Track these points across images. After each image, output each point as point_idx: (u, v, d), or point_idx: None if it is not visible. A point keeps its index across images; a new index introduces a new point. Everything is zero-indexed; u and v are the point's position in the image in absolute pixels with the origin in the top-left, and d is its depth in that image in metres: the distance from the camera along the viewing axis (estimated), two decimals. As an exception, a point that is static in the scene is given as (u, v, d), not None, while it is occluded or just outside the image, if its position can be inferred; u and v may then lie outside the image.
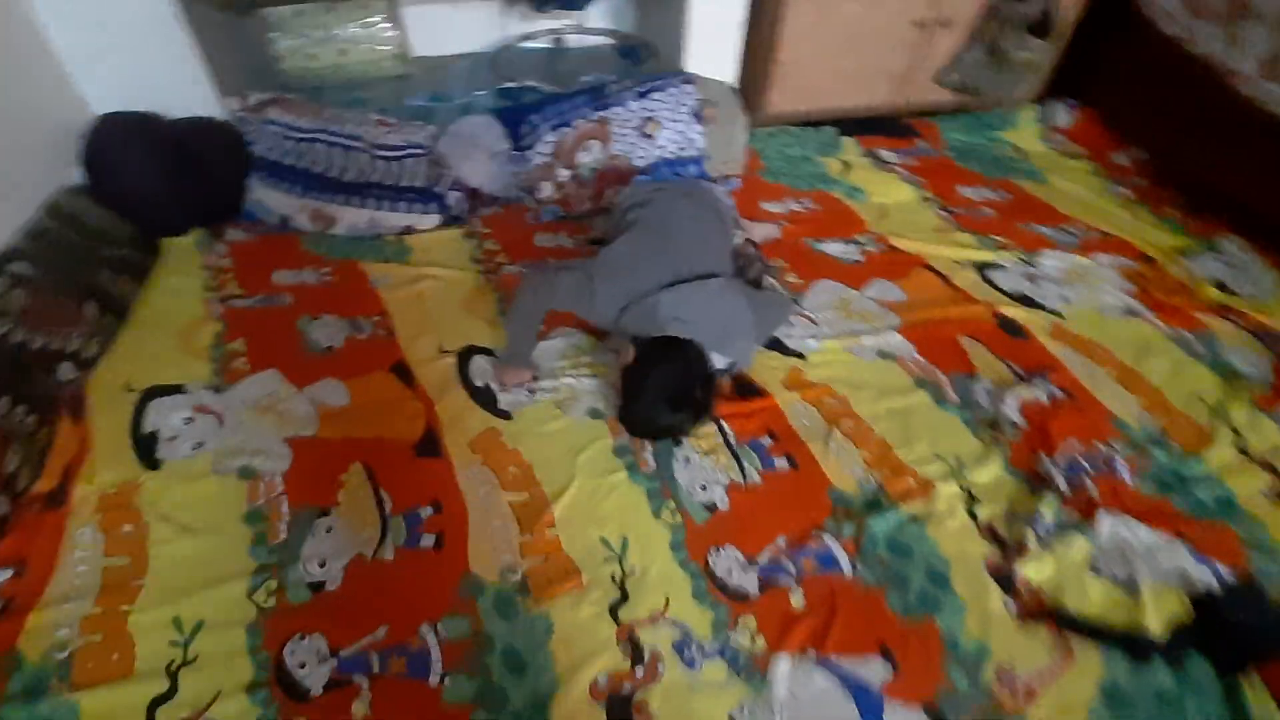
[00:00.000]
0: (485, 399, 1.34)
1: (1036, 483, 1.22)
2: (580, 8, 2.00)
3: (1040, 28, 2.00)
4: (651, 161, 1.79)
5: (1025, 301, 1.63)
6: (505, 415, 1.31)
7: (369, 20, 1.89)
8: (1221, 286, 1.71)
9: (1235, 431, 1.33)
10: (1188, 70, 1.92)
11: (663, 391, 1.15)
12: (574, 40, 2.10)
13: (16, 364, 1.21)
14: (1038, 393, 1.39)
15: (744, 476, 1.23)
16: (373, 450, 1.25)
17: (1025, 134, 2.27)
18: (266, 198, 1.69)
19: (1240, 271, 1.75)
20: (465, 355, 1.42)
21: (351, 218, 1.69)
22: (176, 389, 1.33)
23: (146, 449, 1.23)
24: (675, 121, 1.77)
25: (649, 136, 1.77)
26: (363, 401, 1.34)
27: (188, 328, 1.46)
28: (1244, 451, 1.30)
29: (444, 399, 1.33)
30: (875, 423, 1.33)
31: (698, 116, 1.78)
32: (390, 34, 1.95)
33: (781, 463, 1.25)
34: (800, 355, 1.46)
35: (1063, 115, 2.29)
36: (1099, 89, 2.26)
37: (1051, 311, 1.61)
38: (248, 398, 1.32)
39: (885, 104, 2.20)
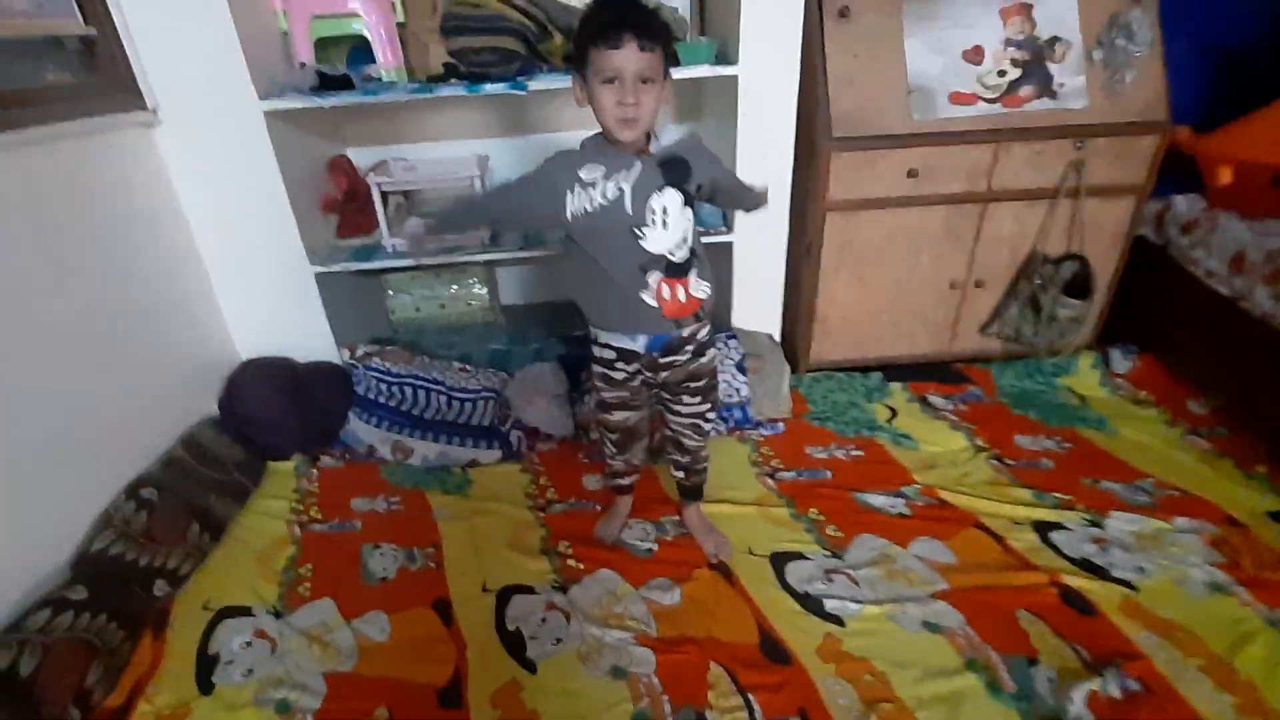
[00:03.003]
0: (515, 644, 1.37)
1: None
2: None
3: (1077, 288, 2.08)
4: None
5: (1092, 570, 1.53)
6: (531, 667, 1.32)
7: (466, 282, 2.27)
8: (1329, 559, 1.53)
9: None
10: (1245, 324, 1.91)
11: None
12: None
13: (124, 582, 1.38)
14: (1110, 686, 1.25)
15: (770, 766, 1.15)
16: (399, 694, 1.28)
17: (1085, 380, 2.25)
18: (359, 429, 1.93)
19: (1352, 542, 1.58)
20: (504, 596, 1.48)
21: (425, 450, 1.89)
22: (245, 610, 1.45)
23: (206, 670, 1.33)
24: (721, 373, 1.92)
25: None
26: (401, 639, 1.39)
27: (268, 549, 1.62)
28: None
29: (476, 642, 1.37)
30: (918, 709, 1.22)
31: (741, 368, 1.93)
32: (481, 290, 2.32)
33: (811, 752, 1.16)
34: (838, 620, 1.41)
35: (1122, 361, 2.28)
36: (1158, 337, 2.26)
37: (1122, 583, 1.49)
38: (302, 625, 1.42)
39: (932, 352, 2.28)
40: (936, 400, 2.17)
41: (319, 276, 1.95)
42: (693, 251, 1.23)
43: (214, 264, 1.90)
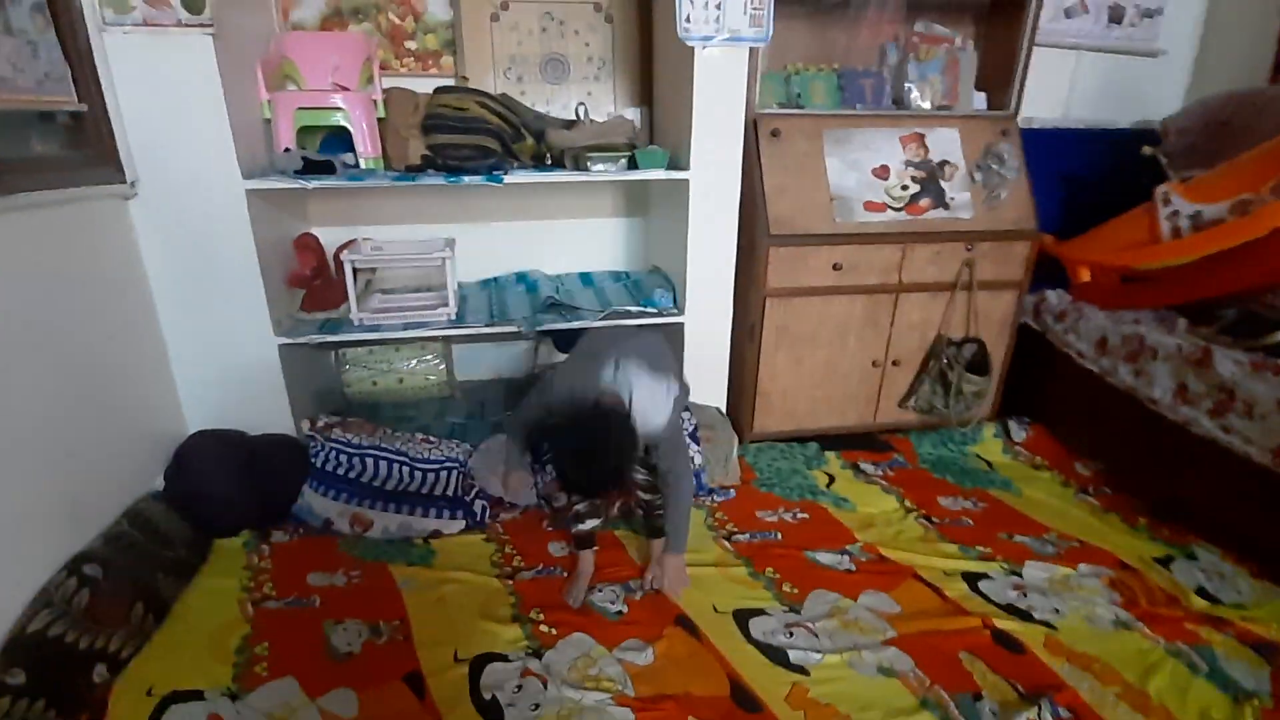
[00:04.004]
0: (492, 713, 1.36)
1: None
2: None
3: (978, 366, 2.41)
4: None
5: (1016, 613, 1.70)
6: (511, 731, 1.32)
7: (425, 357, 2.32)
8: (1203, 593, 1.77)
9: (1252, 760, 1.30)
10: (1113, 396, 2.25)
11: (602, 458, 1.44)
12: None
13: (62, 665, 1.28)
14: (1044, 716, 1.39)
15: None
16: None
17: (990, 448, 2.54)
18: (315, 503, 1.89)
19: (1221, 579, 1.83)
20: (478, 665, 1.47)
21: (385, 521, 1.87)
22: (196, 695, 1.36)
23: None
24: (678, 442, 2.06)
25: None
26: (371, 715, 1.35)
27: (218, 629, 1.54)
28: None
29: (451, 714, 1.35)
30: (883, 750, 1.31)
31: (695, 438, 2.07)
32: (439, 365, 2.37)
33: (791, 793, 1.22)
34: (803, 670, 1.49)
35: (1019, 430, 2.59)
36: (1046, 409, 2.60)
37: (1043, 623, 1.66)
38: (261, 707, 1.35)
39: (858, 424, 2.52)
40: (867, 467, 2.38)
41: (281, 349, 1.96)
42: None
43: (172, 334, 1.88)
